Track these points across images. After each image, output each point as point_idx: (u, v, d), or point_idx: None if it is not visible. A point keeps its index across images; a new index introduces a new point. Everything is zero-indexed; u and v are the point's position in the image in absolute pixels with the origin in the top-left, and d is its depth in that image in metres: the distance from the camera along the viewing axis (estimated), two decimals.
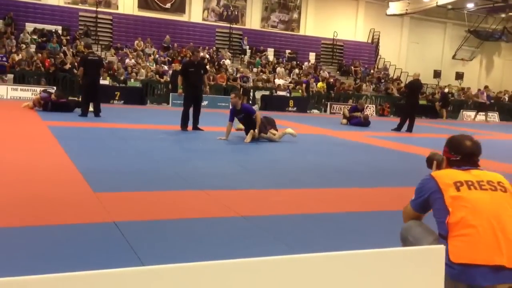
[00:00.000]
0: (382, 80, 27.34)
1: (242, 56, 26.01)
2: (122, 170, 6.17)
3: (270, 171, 6.90)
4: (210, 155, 8.05)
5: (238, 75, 22.68)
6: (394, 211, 3.48)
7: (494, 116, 25.73)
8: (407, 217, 2.94)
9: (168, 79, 20.38)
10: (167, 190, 5.25)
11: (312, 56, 28.06)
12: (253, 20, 27.79)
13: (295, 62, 26.61)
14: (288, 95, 22.26)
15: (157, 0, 25.42)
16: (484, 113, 24.79)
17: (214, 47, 25.54)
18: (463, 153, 2.79)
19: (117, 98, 18.61)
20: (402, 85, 24.62)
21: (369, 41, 30.54)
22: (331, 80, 25.03)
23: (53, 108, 13.32)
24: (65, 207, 4.34)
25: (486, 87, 27.01)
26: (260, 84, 22.68)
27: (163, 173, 6.15)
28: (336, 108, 22.13)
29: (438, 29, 32.83)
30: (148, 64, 21.86)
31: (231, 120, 9.79)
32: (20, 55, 19.28)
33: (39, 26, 22.16)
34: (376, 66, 29.72)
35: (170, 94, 19.40)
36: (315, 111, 22.44)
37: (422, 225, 2.87)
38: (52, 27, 22.33)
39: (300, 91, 22.88)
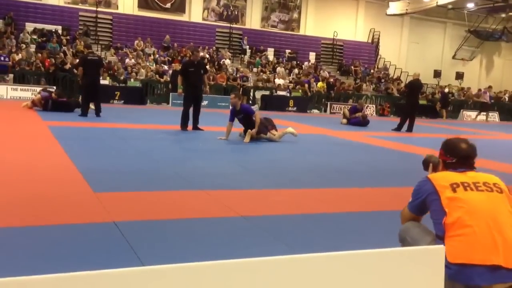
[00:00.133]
0: (382, 80, 27.35)
1: (242, 56, 26.01)
2: (122, 170, 6.17)
3: (270, 171, 6.90)
4: (210, 155, 8.05)
5: (238, 75, 22.68)
6: (394, 211, 3.48)
7: (494, 116, 25.75)
8: (404, 219, 2.97)
9: (168, 79, 20.39)
10: (167, 190, 5.25)
11: (312, 56, 28.07)
12: (253, 20, 27.79)
13: (295, 62, 26.61)
14: (288, 95, 22.26)
15: (157, 0, 25.42)
16: (485, 113, 24.81)
17: (214, 47, 25.54)
18: (458, 156, 2.81)
19: (117, 98, 18.62)
20: (402, 85, 24.63)
21: (369, 41, 30.54)
22: (331, 80, 25.02)
23: (53, 107, 13.32)
24: (65, 207, 4.34)
25: (489, 87, 27.06)
26: (260, 84, 22.68)
27: (163, 173, 6.15)
28: (336, 108, 22.13)
29: (438, 29, 32.83)
30: (148, 64, 21.86)
31: (231, 120, 9.79)
32: (20, 55, 19.28)
33: (39, 26, 22.16)
34: (376, 66, 29.72)
35: (170, 94, 19.41)
36: (315, 111, 22.45)
37: (420, 226, 2.89)
38: (52, 27, 22.33)
39: (300, 91, 22.89)
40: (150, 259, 3.17)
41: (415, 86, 15.26)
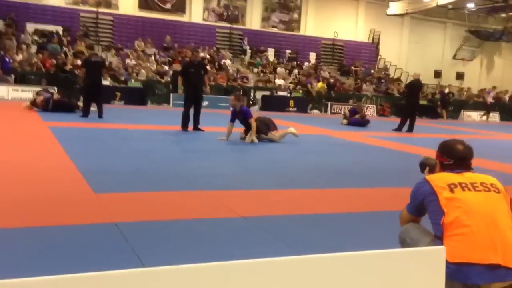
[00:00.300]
0: (383, 80, 27.34)
1: (243, 56, 26.01)
2: (122, 171, 6.17)
3: (270, 171, 6.90)
4: (210, 155, 8.05)
5: (238, 76, 22.68)
6: (394, 211, 3.48)
7: (495, 116, 25.76)
8: (404, 222, 3.00)
9: (169, 79, 20.40)
10: (168, 190, 5.25)
11: (312, 56, 28.05)
12: (253, 20, 27.79)
13: (295, 62, 26.61)
14: (288, 95, 22.27)
15: (157, 0, 25.43)
16: (486, 113, 24.87)
17: (215, 47, 25.53)
18: (455, 157, 2.84)
19: (117, 98, 18.63)
20: (403, 85, 24.63)
21: (370, 41, 30.54)
22: (331, 80, 25.02)
23: (54, 108, 13.33)
24: (65, 208, 4.34)
25: (494, 87, 27.08)
26: (260, 84, 22.68)
27: (164, 174, 6.15)
28: (337, 108, 22.13)
29: (439, 29, 32.81)
30: (148, 64, 21.86)
31: (232, 121, 9.79)
32: (21, 55, 19.29)
33: (40, 26, 22.16)
34: (376, 66, 29.71)
35: (171, 94, 19.41)
36: (316, 111, 22.45)
37: (419, 227, 2.92)
38: (53, 28, 22.33)
39: (300, 91, 22.90)
40: (151, 260, 3.17)
41: (415, 86, 15.26)
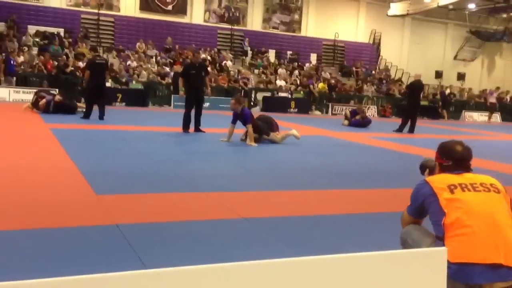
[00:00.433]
0: (384, 81, 27.32)
1: (244, 57, 26.02)
2: (124, 172, 6.18)
3: (271, 173, 6.90)
4: (211, 156, 8.06)
5: (239, 77, 22.68)
6: (395, 212, 3.48)
7: (496, 117, 25.74)
8: (405, 223, 3.01)
9: (170, 80, 20.41)
10: (169, 192, 5.25)
11: (313, 57, 28.06)
12: (254, 21, 27.80)
13: (296, 63, 26.61)
14: (289, 96, 22.27)
15: (158, 2, 25.46)
16: (492, 114, 24.87)
17: (216, 49, 25.55)
18: (454, 158, 2.85)
19: (119, 100, 18.65)
20: (404, 86, 24.62)
21: (370, 42, 30.53)
22: (332, 81, 25.02)
23: (55, 110, 13.35)
24: (67, 209, 4.35)
25: (497, 88, 27.08)
26: (261, 85, 22.68)
27: (165, 175, 6.16)
28: (338, 109, 22.12)
29: (440, 29, 32.79)
30: (149, 66, 21.88)
31: (234, 122, 9.79)
32: (22, 57, 19.31)
33: (41, 28, 22.19)
34: (377, 67, 29.71)
35: (172, 95, 19.43)
36: (317, 112, 22.44)
37: (421, 228, 2.93)
38: (54, 30, 22.36)
39: (301, 92, 22.91)
40: (152, 262, 3.18)
41: (416, 87, 15.25)
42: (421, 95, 16.13)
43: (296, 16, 28.91)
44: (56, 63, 19.44)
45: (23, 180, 5.40)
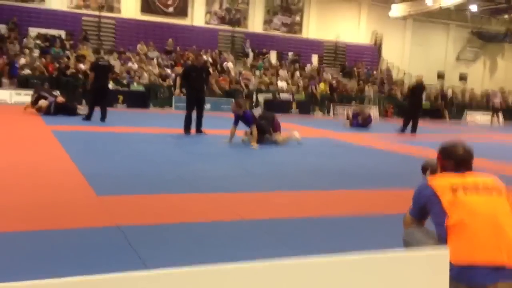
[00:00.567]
0: (385, 82, 27.32)
1: (245, 59, 26.03)
2: (125, 174, 6.18)
3: (273, 174, 6.90)
4: (213, 158, 8.06)
5: (241, 78, 22.69)
6: (397, 213, 3.47)
7: (497, 118, 25.72)
8: (407, 225, 3.01)
9: (171, 82, 20.43)
10: (170, 193, 5.25)
11: (315, 59, 28.05)
12: (255, 23, 27.81)
13: (298, 64, 26.61)
14: (291, 97, 22.27)
15: (159, 4, 25.48)
16: (495, 115, 24.83)
17: (217, 50, 25.57)
18: (456, 159, 2.85)
19: (120, 101, 18.67)
20: (405, 87, 24.61)
21: (372, 43, 30.53)
22: (334, 82, 25.02)
23: (56, 111, 13.38)
24: (68, 211, 4.35)
25: (501, 89, 27.07)
26: (262, 87, 22.68)
27: (166, 177, 6.15)
28: (339, 110, 22.12)
29: (441, 30, 32.77)
30: (151, 67, 21.90)
31: (235, 124, 9.78)
32: (23, 59, 19.34)
33: (43, 31, 22.22)
34: (379, 68, 29.70)
35: (173, 97, 19.45)
36: (319, 113, 22.44)
37: (423, 229, 2.92)
38: (55, 32, 22.39)
39: (303, 93, 22.91)
40: (153, 263, 3.17)
41: (418, 88, 15.25)
42: (423, 96, 16.12)
43: (297, 18, 28.91)
44: (57, 65, 19.47)
45: (25, 181, 5.40)
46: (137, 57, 22.55)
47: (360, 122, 15.67)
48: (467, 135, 15.05)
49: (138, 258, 3.28)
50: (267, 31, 28.09)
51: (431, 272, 1.84)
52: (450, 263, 2.40)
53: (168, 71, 21.83)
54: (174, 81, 19.69)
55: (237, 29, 27.00)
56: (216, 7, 26.94)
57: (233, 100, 19.81)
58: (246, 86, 21.78)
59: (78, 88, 18.50)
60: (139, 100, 19.28)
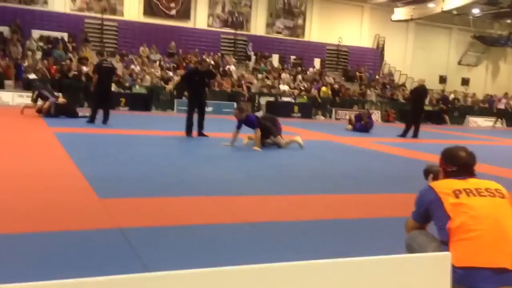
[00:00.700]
0: (387, 86, 27.31)
1: (247, 62, 26.06)
2: (127, 176, 6.18)
3: (275, 177, 6.89)
4: (214, 161, 8.05)
5: (244, 81, 22.71)
6: (399, 217, 3.47)
7: (499, 122, 25.68)
8: (410, 229, 3.02)
9: (174, 88, 20.44)
10: (172, 196, 5.25)
11: (317, 62, 28.08)
12: (258, 26, 27.85)
13: (300, 68, 26.63)
14: (293, 101, 22.27)
15: (162, 6, 25.54)
16: (499, 119, 24.81)
17: (219, 53, 25.61)
18: (458, 164, 2.86)
19: (122, 104, 18.70)
20: (407, 91, 24.59)
21: (374, 46, 30.54)
22: (336, 85, 25.03)
23: (57, 112, 13.42)
24: (70, 213, 4.35)
25: (505, 94, 27.05)
26: (265, 90, 22.70)
27: (168, 179, 6.16)
28: (341, 114, 22.12)
29: (444, 34, 32.78)
30: (153, 70, 21.93)
31: (238, 127, 9.78)
32: (26, 62, 19.39)
33: (45, 33, 22.28)
34: (381, 72, 29.70)
35: (175, 100, 19.47)
36: (321, 117, 22.44)
37: (426, 233, 2.93)
38: (58, 34, 22.46)
39: (305, 97, 22.92)
40: (155, 265, 3.17)
41: (420, 92, 15.23)
42: (424, 100, 16.10)
43: (300, 21, 28.95)
44: (59, 67, 19.51)
45: (27, 183, 5.40)
46: (139, 60, 22.59)
47: (362, 126, 15.66)
48: (470, 142, 15.03)
49: (140, 260, 3.28)
50: (269, 34, 28.14)
51: (433, 275, 1.84)
52: (453, 266, 2.40)
53: (171, 73, 21.86)
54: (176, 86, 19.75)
55: (239, 32, 27.04)
56: (218, 10, 27.00)
57: (235, 103, 19.95)
58: (249, 89, 21.79)
59: (80, 90, 18.52)
60: (141, 102, 19.31)
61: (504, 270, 2.42)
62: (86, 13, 24.22)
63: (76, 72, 19.30)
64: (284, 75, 24.76)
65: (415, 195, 2.94)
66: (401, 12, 28.76)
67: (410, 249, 2.89)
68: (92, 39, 23.60)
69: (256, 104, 21.45)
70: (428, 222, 2.90)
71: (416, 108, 15.17)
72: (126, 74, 20.57)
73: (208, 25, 26.81)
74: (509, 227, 2.55)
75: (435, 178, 3.13)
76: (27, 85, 18.39)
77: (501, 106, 25.17)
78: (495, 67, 34.95)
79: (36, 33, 22.11)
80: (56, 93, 14.91)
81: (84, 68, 19.54)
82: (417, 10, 27.84)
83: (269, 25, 28.31)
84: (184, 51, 24.50)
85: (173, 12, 25.82)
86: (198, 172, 6.87)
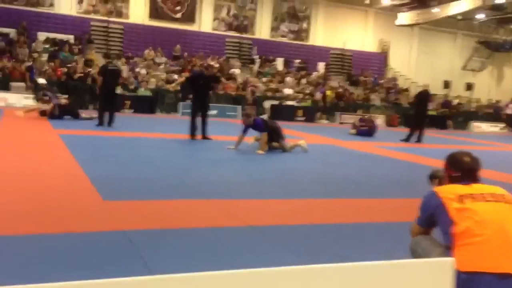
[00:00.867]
0: (392, 90, 27.27)
1: (252, 65, 26.09)
2: (131, 179, 6.20)
3: (277, 181, 6.90)
4: (218, 164, 8.06)
5: (249, 85, 22.70)
6: (402, 222, 3.47)
7: (505, 127, 25.62)
8: (414, 234, 3.01)
9: (178, 88, 20.45)
10: (176, 199, 5.26)
11: (321, 66, 28.07)
12: (262, 29, 27.89)
13: (304, 71, 26.64)
14: (297, 104, 22.28)
15: (167, 10, 25.61)
16: (500, 125, 24.76)
17: (224, 56, 25.65)
18: (463, 169, 2.87)
19: (127, 106, 18.75)
20: (411, 95, 24.54)
21: (378, 51, 30.52)
22: (340, 90, 25.01)
23: (61, 113, 13.49)
24: (74, 215, 4.37)
25: None
26: (269, 93, 22.71)
27: (172, 182, 6.17)
28: (345, 118, 22.10)
29: (448, 39, 32.72)
30: (158, 73, 21.97)
31: (244, 132, 9.77)
32: (32, 64, 19.46)
33: (51, 35, 22.37)
34: (385, 76, 29.67)
35: (180, 103, 19.50)
36: (325, 121, 22.42)
37: (431, 238, 2.93)
38: (64, 36, 22.54)
39: (309, 101, 22.91)
40: (158, 268, 3.18)
41: (423, 96, 15.21)
42: (428, 105, 16.07)
43: (304, 25, 28.97)
44: (65, 69, 19.58)
45: (32, 184, 5.43)
46: (144, 62, 22.64)
47: (366, 130, 15.66)
48: (474, 147, 14.99)
49: (143, 263, 3.29)
50: (274, 38, 28.15)
51: (436, 281, 1.84)
52: (457, 270, 2.41)
53: (176, 76, 21.88)
54: (181, 86, 19.76)
55: (244, 35, 27.08)
56: (223, 13, 27.04)
57: (238, 107, 19.96)
58: (253, 92, 21.79)
59: (86, 92, 18.57)
60: (146, 105, 19.36)
61: (508, 275, 2.42)
62: (92, 16, 24.31)
63: (82, 74, 19.36)
64: (288, 79, 24.77)
65: (417, 200, 2.94)
66: (405, 17, 28.73)
67: (415, 254, 2.88)
68: (97, 42, 23.67)
69: (261, 108, 21.45)
70: (433, 227, 2.90)
71: (419, 113, 15.15)
72: (131, 76, 20.62)
73: (213, 29, 26.86)
74: None
75: (440, 183, 3.14)
76: (35, 88, 18.46)
77: (509, 111, 25.10)
78: (499, 72, 34.85)
79: (42, 35, 22.19)
80: (58, 95, 14.99)
81: (90, 70, 19.59)
82: (421, 15, 27.80)
83: (274, 29, 28.33)
84: (189, 54, 24.54)
85: (179, 15, 25.88)
86: (201, 175, 6.88)
